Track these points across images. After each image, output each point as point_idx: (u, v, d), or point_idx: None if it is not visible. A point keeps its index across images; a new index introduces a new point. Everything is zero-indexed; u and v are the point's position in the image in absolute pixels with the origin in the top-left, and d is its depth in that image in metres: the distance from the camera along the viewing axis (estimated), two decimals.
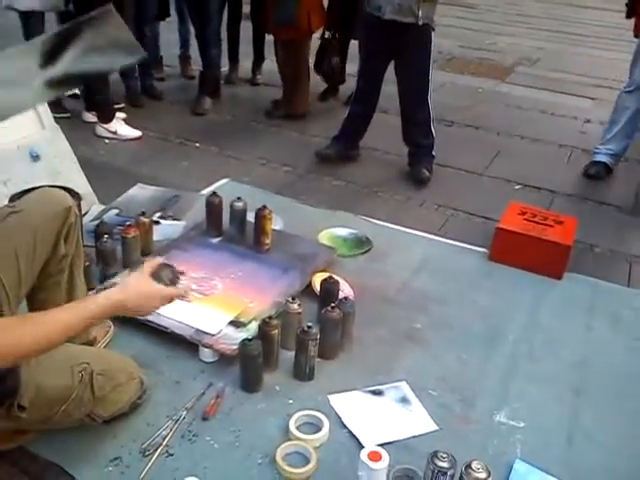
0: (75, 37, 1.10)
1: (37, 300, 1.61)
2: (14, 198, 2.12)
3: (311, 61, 4.21)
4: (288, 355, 1.87)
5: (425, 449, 1.54)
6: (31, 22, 3.62)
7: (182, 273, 1.47)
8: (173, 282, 1.42)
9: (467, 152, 3.81)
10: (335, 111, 4.18)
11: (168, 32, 4.83)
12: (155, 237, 2.41)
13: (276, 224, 2.50)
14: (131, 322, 1.94)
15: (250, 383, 1.77)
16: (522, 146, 4.06)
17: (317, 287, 2.15)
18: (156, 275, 1.39)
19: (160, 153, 3.51)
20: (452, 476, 1.39)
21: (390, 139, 3.59)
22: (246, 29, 4.68)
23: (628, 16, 3.61)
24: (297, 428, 1.62)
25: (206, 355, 1.87)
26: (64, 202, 1.57)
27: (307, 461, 1.54)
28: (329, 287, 2.08)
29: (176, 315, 1.95)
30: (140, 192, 2.88)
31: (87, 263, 1.97)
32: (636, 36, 3.44)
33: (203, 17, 3.98)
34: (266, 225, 2.35)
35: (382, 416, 1.72)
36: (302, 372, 1.82)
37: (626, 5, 3.62)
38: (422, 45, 3.10)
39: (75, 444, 1.53)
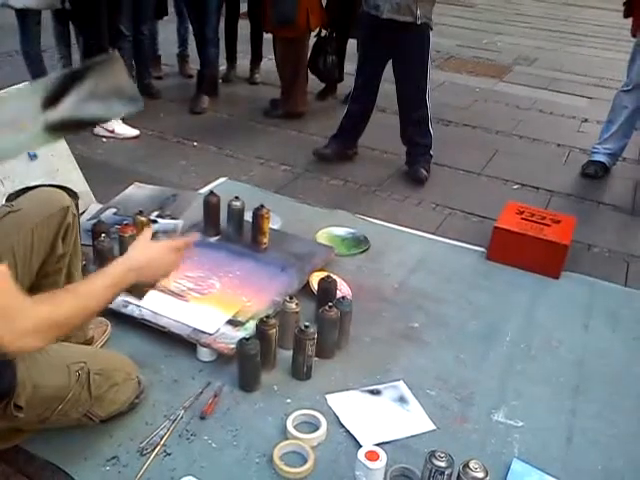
0: (78, 81, 1.11)
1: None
2: (11, 197, 2.12)
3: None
4: (286, 354, 1.87)
5: (423, 448, 1.55)
6: (27, 20, 3.62)
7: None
8: None
9: (465, 151, 3.81)
10: (333, 110, 4.18)
11: (166, 31, 4.84)
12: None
13: (274, 223, 2.50)
14: (128, 321, 1.95)
15: (248, 382, 1.76)
16: (520, 145, 4.06)
17: (315, 286, 2.15)
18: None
19: (158, 152, 3.50)
20: (450, 475, 1.39)
21: (388, 138, 3.59)
22: (244, 28, 4.68)
23: (626, 15, 3.61)
24: (295, 427, 1.61)
25: (204, 354, 1.86)
26: (61, 202, 1.57)
27: (304, 460, 1.54)
28: (327, 286, 2.08)
29: (174, 314, 1.95)
30: (138, 191, 2.88)
31: (84, 262, 1.97)
32: (634, 35, 3.44)
33: (201, 16, 3.98)
34: (264, 224, 2.34)
35: (380, 415, 1.72)
36: (300, 371, 1.82)
37: (624, 4, 3.62)
38: (420, 44, 3.10)
39: (72, 443, 1.53)
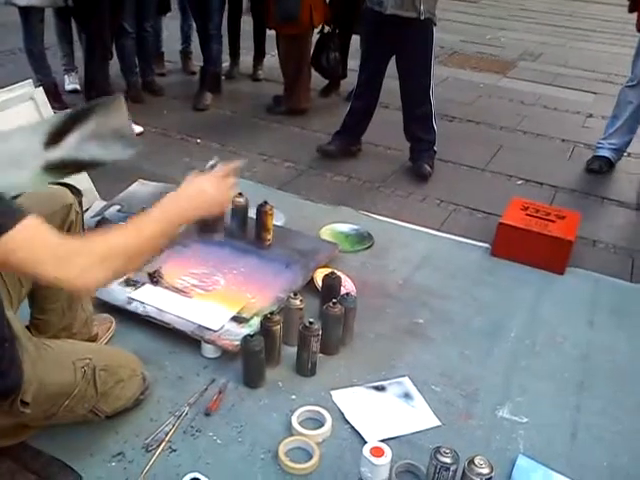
0: (81, 121, 1.13)
1: (38, 296, 1.61)
2: (15, 195, 2.12)
3: None
4: (290, 351, 1.87)
5: (428, 444, 1.55)
6: (31, 17, 3.62)
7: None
8: None
9: (469, 147, 3.80)
10: (336, 106, 4.17)
11: (169, 28, 4.83)
12: None
13: (277, 220, 2.50)
14: (133, 318, 1.95)
15: (252, 379, 1.77)
16: (524, 141, 4.05)
17: (319, 283, 2.15)
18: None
19: (161, 149, 3.50)
20: (455, 471, 1.39)
21: (392, 134, 3.58)
22: (247, 24, 4.67)
23: (631, 10, 3.59)
24: (300, 424, 1.62)
25: (208, 351, 1.87)
26: (65, 199, 1.57)
27: (310, 456, 1.54)
28: (331, 283, 2.08)
29: (178, 311, 1.96)
30: (141, 188, 2.88)
31: None
32: (639, 30, 3.42)
33: (204, 13, 3.98)
34: (268, 221, 2.34)
35: (384, 412, 1.72)
36: (304, 368, 1.82)
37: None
38: (424, 40, 3.09)
39: (78, 440, 1.53)
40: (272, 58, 4.59)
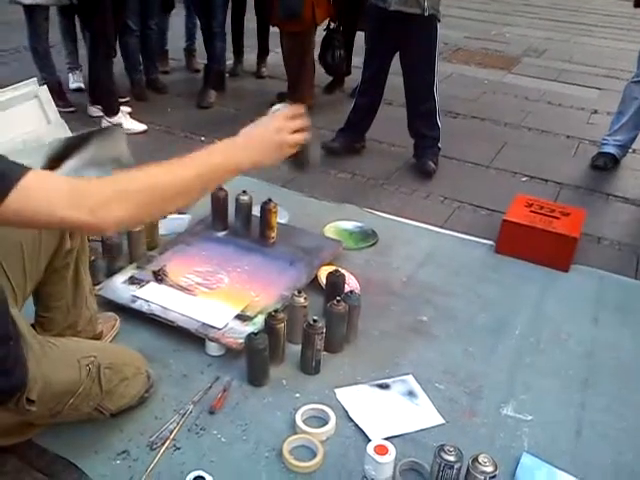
0: (80, 147, 1.14)
1: (42, 293, 1.61)
2: None
3: (316, 53, 4.19)
4: (294, 349, 1.88)
5: (432, 442, 1.55)
6: (35, 16, 3.63)
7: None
8: None
9: (473, 144, 3.79)
10: (340, 103, 4.17)
11: (173, 25, 4.82)
12: (161, 231, 2.41)
13: (282, 217, 2.50)
14: (137, 316, 1.96)
15: (257, 377, 1.77)
16: (529, 138, 4.03)
17: (323, 280, 2.15)
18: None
19: (165, 147, 3.51)
20: (459, 469, 1.39)
21: (396, 131, 3.57)
22: (251, 22, 4.67)
23: (636, 5, 3.57)
24: (304, 422, 1.62)
25: (212, 349, 1.87)
26: None
27: (314, 455, 1.54)
28: (335, 280, 2.08)
29: (182, 309, 1.96)
30: None
31: (93, 257, 1.98)
32: None
33: (208, 10, 3.97)
34: (272, 218, 2.34)
35: (389, 409, 1.72)
36: (308, 366, 1.82)
37: None
38: (428, 36, 3.08)
39: (83, 437, 1.54)
40: (276, 55, 4.58)
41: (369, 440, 1.54)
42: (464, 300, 2.25)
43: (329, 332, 1.84)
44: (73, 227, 1.04)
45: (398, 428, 1.65)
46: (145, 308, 1.97)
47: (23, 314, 1.45)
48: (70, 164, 1.15)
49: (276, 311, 1.85)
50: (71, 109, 3.79)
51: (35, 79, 2.65)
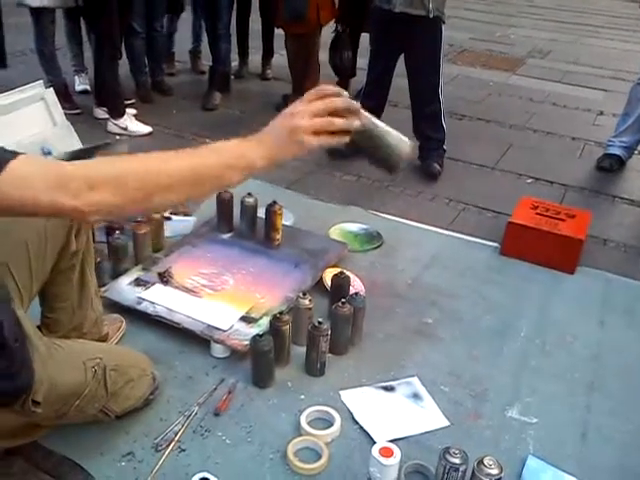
0: (86, 158, 1.13)
1: (48, 294, 1.62)
2: None
3: (323, 55, 4.19)
4: (299, 351, 1.88)
5: (437, 445, 1.55)
6: (42, 18, 3.65)
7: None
8: None
9: (478, 146, 3.78)
10: None
11: (179, 28, 4.83)
12: (166, 233, 2.42)
13: (287, 219, 2.50)
14: (143, 318, 1.96)
15: (261, 379, 1.77)
16: (534, 139, 4.03)
17: (328, 282, 2.15)
18: None
19: (170, 149, 3.50)
20: (464, 472, 1.39)
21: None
22: (255, 23, 4.68)
23: None
24: (308, 424, 1.62)
25: (217, 351, 1.87)
26: None
27: (318, 457, 1.54)
28: (340, 282, 2.08)
29: (187, 311, 1.96)
30: None
31: (99, 259, 1.98)
32: None
33: (213, 12, 3.99)
34: (277, 221, 2.35)
35: (393, 412, 1.72)
36: (313, 368, 1.82)
37: None
38: (432, 38, 3.08)
39: (88, 439, 1.54)
40: (281, 57, 4.59)
41: (374, 442, 1.54)
42: (469, 302, 2.24)
43: (334, 334, 1.84)
44: (59, 211, 0.98)
45: (403, 430, 1.65)
46: (150, 310, 1.98)
47: (29, 315, 1.45)
48: None
49: (281, 313, 1.85)
50: (77, 111, 3.80)
51: (41, 81, 2.66)
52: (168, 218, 2.53)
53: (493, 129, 4.16)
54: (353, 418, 1.68)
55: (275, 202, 2.35)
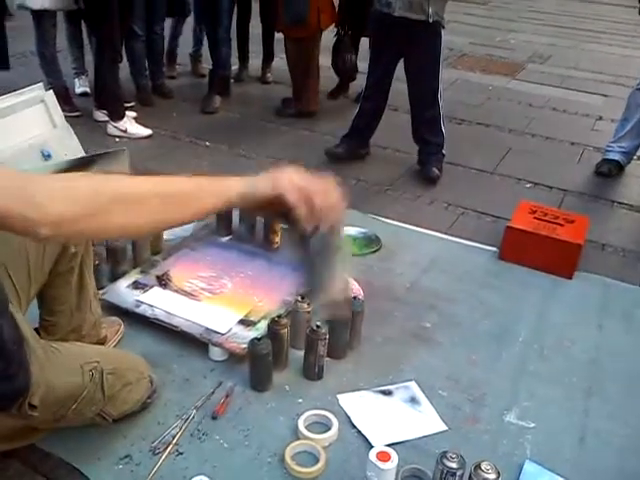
0: (84, 169, 1.13)
1: (47, 297, 1.62)
2: None
3: (323, 59, 4.20)
4: (297, 354, 1.88)
5: (434, 449, 1.55)
6: (43, 21, 3.66)
7: None
8: None
9: (477, 150, 3.79)
10: (345, 109, 4.17)
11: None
12: (165, 236, 2.41)
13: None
14: (141, 321, 1.96)
15: (259, 382, 1.77)
16: (533, 144, 4.03)
17: None
18: None
19: (170, 152, 3.52)
20: (461, 476, 1.39)
21: (400, 137, 3.58)
22: (256, 27, 4.69)
23: None
24: (306, 427, 1.62)
25: (216, 354, 1.87)
26: None
27: (316, 460, 1.54)
28: None
29: (186, 314, 1.96)
30: None
31: (97, 262, 1.98)
32: None
33: (214, 16, 3.99)
34: (275, 224, 2.35)
35: (391, 416, 1.72)
36: (311, 371, 1.82)
37: (639, 2, 3.58)
38: (432, 42, 3.09)
39: (86, 442, 1.54)
40: (281, 61, 4.60)
41: (371, 446, 1.54)
42: (468, 306, 2.25)
43: (332, 338, 1.84)
44: (15, 222, 0.89)
45: (400, 434, 1.65)
46: (149, 313, 1.98)
47: (27, 318, 1.45)
48: None
49: (279, 316, 1.85)
50: (77, 114, 3.81)
51: (41, 84, 2.66)
52: None
53: (492, 134, 4.17)
54: (351, 422, 1.68)
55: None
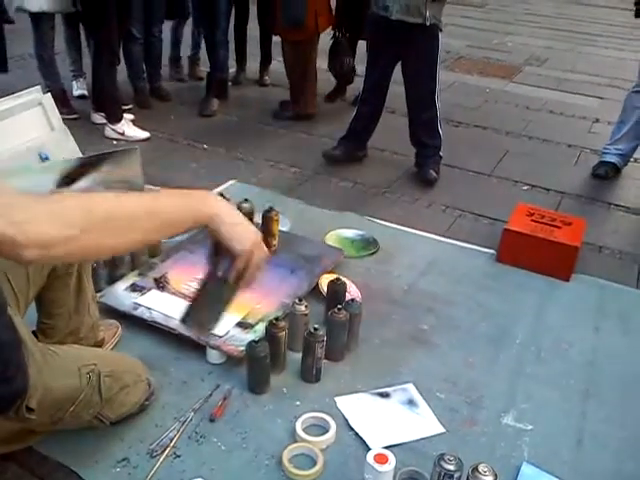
0: (95, 167, 1.14)
1: (45, 300, 1.62)
2: None
3: (320, 61, 4.21)
4: (295, 357, 1.88)
5: (432, 451, 1.55)
6: (42, 24, 3.66)
7: None
8: None
9: (475, 153, 3.80)
10: (342, 112, 4.18)
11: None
12: None
13: (283, 225, 2.50)
14: (138, 324, 1.96)
15: (257, 385, 1.77)
16: (530, 146, 4.04)
17: (324, 289, 2.15)
18: None
19: (168, 155, 3.52)
20: (459, 479, 1.39)
21: (397, 140, 3.59)
22: (253, 30, 4.70)
23: (637, 15, 3.59)
24: (304, 430, 1.62)
25: (213, 357, 1.87)
26: None
27: (314, 463, 1.54)
28: (336, 289, 2.08)
29: None
30: None
31: (95, 265, 1.98)
32: None
33: (211, 19, 4.00)
34: (273, 226, 2.35)
35: (389, 418, 1.72)
36: (309, 374, 1.82)
37: (635, 4, 3.60)
38: (429, 45, 3.10)
39: (83, 445, 1.54)
40: (278, 63, 4.60)
41: (369, 449, 1.54)
42: (465, 309, 2.25)
43: (330, 340, 1.84)
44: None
45: (398, 437, 1.65)
46: (146, 315, 1.97)
47: (25, 321, 1.45)
48: (82, 183, 1.16)
49: (277, 319, 1.85)
50: (74, 116, 3.81)
51: (39, 87, 2.66)
52: None
53: (489, 136, 4.18)
54: (348, 424, 1.68)
55: (272, 208, 2.35)
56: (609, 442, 1.72)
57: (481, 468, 1.35)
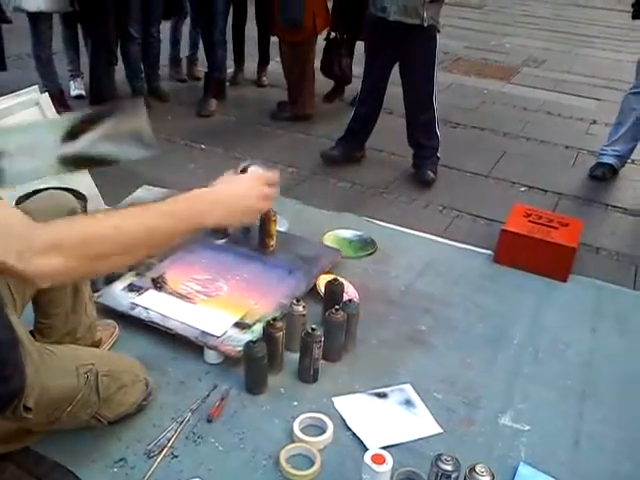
0: (100, 121, 1.14)
1: (42, 300, 1.62)
2: (21, 200, 2.13)
3: (318, 62, 4.21)
4: (293, 357, 1.88)
5: (429, 452, 1.55)
6: (39, 23, 3.66)
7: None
8: None
9: (472, 154, 3.80)
10: (340, 112, 4.18)
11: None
12: None
13: (281, 226, 2.50)
14: (136, 324, 1.96)
15: (255, 385, 1.77)
16: (528, 148, 4.05)
17: (322, 289, 2.15)
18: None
19: (166, 155, 3.51)
20: (456, 479, 1.39)
21: (395, 140, 3.59)
22: (251, 30, 4.70)
23: (634, 17, 3.60)
24: (301, 430, 1.62)
25: (211, 357, 1.87)
26: (69, 204, 1.58)
27: (311, 463, 1.54)
28: (334, 289, 2.08)
29: (181, 317, 1.96)
30: (146, 194, 2.89)
31: None
32: None
33: (209, 19, 4.00)
34: (271, 227, 2.35)
35: (386, 419, 1.72)
36: (306, 374, 1.82)
37: (632, 6, 3.61)
38: (427, 47, 3.10)
39: (81, 445, 1.54)
40: (276, 64, 4.61)
41: (366, 449, 1.54)
42: (462, 310, 2.25)
43: (327, 341, 1.84)
44: (10, 273, 0.93)
45: (395, 437, 1.65)
46: (144, 316, 1.97)
47: (22, 321, 1.45)
48: (88, 137, 1.15)
49: (275, 319, 1.85)
50: None
51: (37, 86, 2.66)
52: None
53: (487, 137, 4.18)
54: (346, 425, 1.68)
55: (270, 208, 2.35)
56: (606, 443, 1.72)
57: (478, 468, 1.36)
